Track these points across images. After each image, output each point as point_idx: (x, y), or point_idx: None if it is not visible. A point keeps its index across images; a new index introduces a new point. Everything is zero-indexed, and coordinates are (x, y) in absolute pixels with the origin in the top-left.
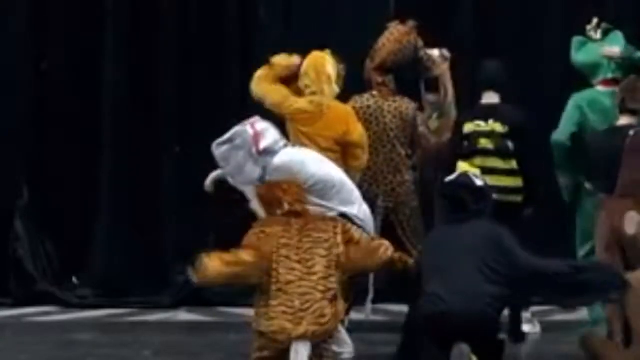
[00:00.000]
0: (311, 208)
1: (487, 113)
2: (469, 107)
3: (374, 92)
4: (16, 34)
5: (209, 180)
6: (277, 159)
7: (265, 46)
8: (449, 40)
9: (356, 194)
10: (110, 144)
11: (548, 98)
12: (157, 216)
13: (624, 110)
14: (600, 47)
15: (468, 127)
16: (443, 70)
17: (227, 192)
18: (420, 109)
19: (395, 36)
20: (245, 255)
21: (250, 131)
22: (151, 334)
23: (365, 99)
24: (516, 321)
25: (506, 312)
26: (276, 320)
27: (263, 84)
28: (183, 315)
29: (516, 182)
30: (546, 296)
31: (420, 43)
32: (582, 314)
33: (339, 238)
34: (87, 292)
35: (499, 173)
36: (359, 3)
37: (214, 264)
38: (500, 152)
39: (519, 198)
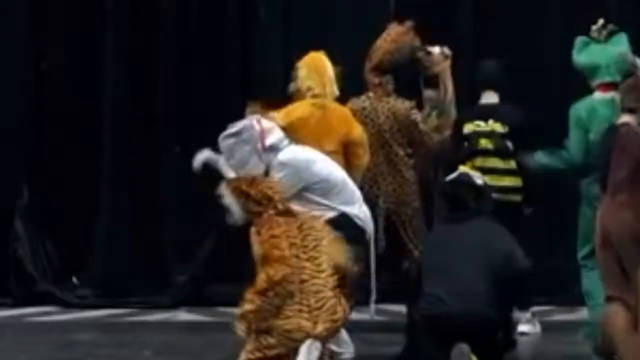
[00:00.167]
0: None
1: (487, 113)
2: (469, 107)
3: (370, 94)
4: (16, 34)
5: (197, 160)
6: (284, 155)
7: (265, 46)
8: (449, 40)
9: (357, 194)
10: (110, 144)
11: (548, 98)
12: (157, 216)
13: (623, 109)
14: (604, 48)
15: (468, 128)
16: (443, 67)
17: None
18: (420, 106)
19: (392, 36)
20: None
21: (257, 127)
22: (151, 334)
23: (362, 101)
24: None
25: None
26: (293, 319)
27: None
28: (183, 315)
29: (516, 181)
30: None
31: (418, 43)
32: (582, 314)
33: (330, 236)
34: (87, 292)
35: (499, 173)
36: (359, 3)
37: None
38: (500, 152)
39: (518, 197)
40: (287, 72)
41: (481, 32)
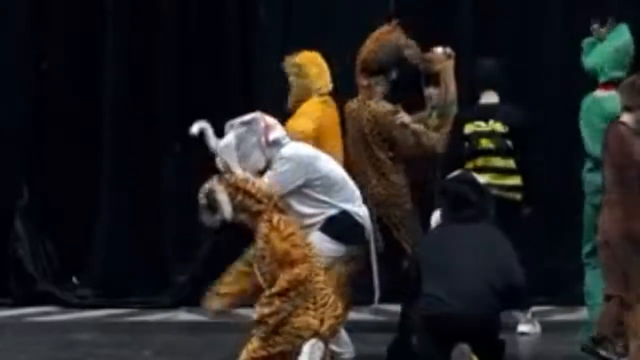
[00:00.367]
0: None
1: (487, 113)
2: (469, 107)
3: (360, 96)
4: (16, 34)
5: (196, 126)
6: (287, 150)
7: (265, 46)
8: (449, 40)
9: (357, 193)
10: (110, 144)
11: (548, 98)
12: (157, 216)
13: (622, 107)
14: (602, 48)
15: (468, 128)
16: (444, 66)
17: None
18: (421, 106)
19: (376, 36)
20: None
21: (262, 122)
22: (151, 334)
23: (354, 103)
24: None
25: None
26: (302, 317)
27: None
28: (183, 315)
29: (515, 180)
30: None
31: (404, 41)
32: (582, 314)
33: None
34: (87, 292)
35: (501, 172)
36: (359, 3)
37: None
38: (500, 152)
39: (518, 196)
40: None
41: (481, 32)
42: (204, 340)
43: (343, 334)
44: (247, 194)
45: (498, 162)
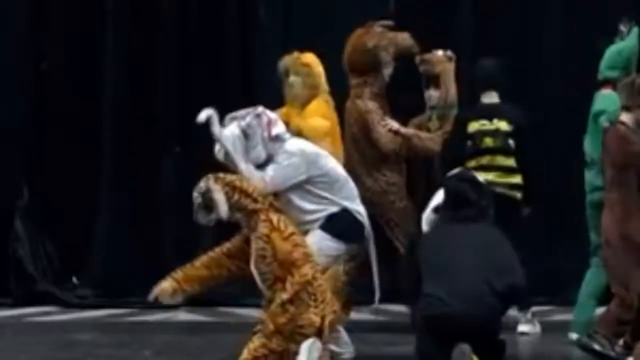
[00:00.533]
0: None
1: (490, 112)
2: (471, 106)
3: (351, 96)
4: (16, 34)
5: (203, 114)
6: (292, 145)
7: (265, 46)
8: (449, 40)
9: (356, 192)
10: (110, 144)
11: (548, 98)
12: (157, 216)
13: (621, 107)
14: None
15: (473, 127)
16: (444, 68)
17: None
18: (422, 108)
19: (351, 39)
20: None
21: (265, 116)
22: (151, 334)
23: (348, 102)
24: None
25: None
26: (305, 315)
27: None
28: (183, 315)
29: (517, 179)
30: None
31: (374, 42)
32: None
33: None
34: (87, 292)
35: (505, 170)
36: (359, 3)
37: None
38: (504, 150)
39: (519, 194)
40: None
41: (481, 32)
42: (204, 340)
43: (343, 334)
44: (244, 193)
45: (503, 160)
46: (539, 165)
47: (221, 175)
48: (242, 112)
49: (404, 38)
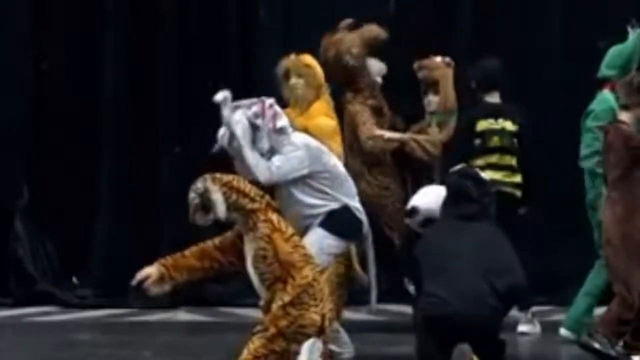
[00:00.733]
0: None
1: (496, 112)
2: (476, 105)
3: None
4: (16, 34)
5: (220, 94)
6: (297, 138)
7: (265, 46)
8: (449, 40)
9: (355, 190)
10: (110, 144)
11: (548, 98)
12: (157, 216)
13: (620, 106)
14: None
15: (481, 125)
16: (443, 73)
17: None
18: (421, 114)
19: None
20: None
21: (270, 109)
22: (151, 334)
23: (344, 108)
24: None
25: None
26: (306, 314)
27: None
28: (183, 315)
29: (519, 178)
30: None
31: (332, 53)
32: None
33: None
34: (87, 292)
35: (512, 170)
36: (359, 3)
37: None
38: (510, 150)
39: (519, 193)
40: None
41: (481, 32)
42: (204, 340)
43: (343, 334)
44: (242, 193)
45: (509, 160)
46: (539, 165)
47: (218, 175)
48: (245, 101)
49: (370, 30)
